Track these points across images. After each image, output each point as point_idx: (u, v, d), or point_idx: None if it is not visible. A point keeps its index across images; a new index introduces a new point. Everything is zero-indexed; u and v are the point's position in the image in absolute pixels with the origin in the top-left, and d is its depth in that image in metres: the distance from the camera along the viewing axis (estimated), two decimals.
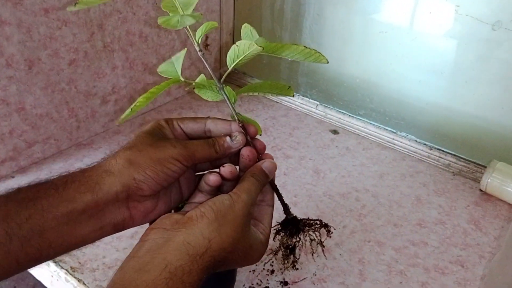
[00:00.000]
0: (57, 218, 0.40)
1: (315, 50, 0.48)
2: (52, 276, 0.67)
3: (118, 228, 0.44)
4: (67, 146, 0.88)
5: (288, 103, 1.04)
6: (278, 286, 0.63)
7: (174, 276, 0.37)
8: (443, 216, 0.76)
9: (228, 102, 0.49)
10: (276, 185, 0.51)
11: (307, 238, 0.53)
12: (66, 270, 0.65)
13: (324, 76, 1.00)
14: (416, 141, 0.90)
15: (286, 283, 0.64)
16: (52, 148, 0.85)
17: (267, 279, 0.64)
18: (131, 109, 0.45)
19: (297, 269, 0.65)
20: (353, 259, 0.68)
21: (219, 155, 0.47)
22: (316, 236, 0.53)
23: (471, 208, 0.78)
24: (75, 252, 0.67)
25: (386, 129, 0.93)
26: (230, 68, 0.47)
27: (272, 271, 0.65)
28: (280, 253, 0.55)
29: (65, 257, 0.66)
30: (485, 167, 0.82)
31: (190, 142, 0.46)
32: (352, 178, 0.83)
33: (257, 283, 0.63)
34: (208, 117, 0.50)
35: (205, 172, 0.50)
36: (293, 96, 0.54)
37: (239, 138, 0.48)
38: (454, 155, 0.86)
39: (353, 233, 0.72)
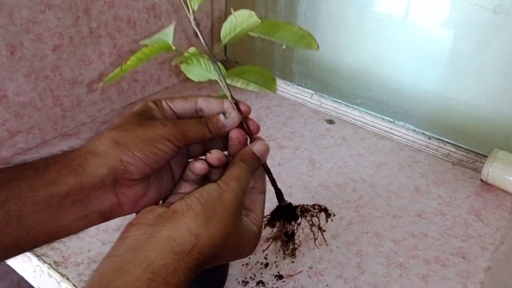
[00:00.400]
0: (36, 202, 0.37)
1: (308, 32, 0.45)
2: (34, 271, 0.63)
3: (105, 216, 0.41)
4: (52, 136, 0.84)
5: (282, 93, 1.01)
6: (272, 280, 0.60)
7: (157, 277, 0.34)
8: (443, 207, 0.73)
9: (220, 77, 0.46)
10: (269, 168, 0.48)
11: (306, 224, 0.50)
12: (49, 264, 0.61)
13: (319, 64, 0.97)
14: (414, 130, 0.87)
15: (281, 277, 0.61)
16: (36, 138, 0.82)
17: (261, 273, 0.61)
18: (121, 67, 0.41)
19: (294, 260, 0.62)
20: (351, 251, 0.65)
21: (213, 135, 0.44)
22: (315, 222, 0.50)
23: (471, 198, 0.75)
24: (58, 246, 0.64)
25: (384, 119, 0.90)
26: (225, 41, 0.44)
27: (266, 264, 0.62)
28: (278, 241, 0.52)
29: (48, 251, 0.63)
30: (486, 156, 0.80)
31: (181, 121, 0.43)
32: (348, 169, 0.81)
33: (251, 277, 0.60)
34: (200, 95, 0.47)
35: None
36: (275, 91, 0.51)
37: (233, 115, 0.44)
38: (454, 144, 0.84)
39: (351, 225, 0.69)
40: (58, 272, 0.60)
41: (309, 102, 0.98)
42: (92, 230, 0.66)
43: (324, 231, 0.52)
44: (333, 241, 0.66)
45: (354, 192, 0.75)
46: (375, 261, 0.64)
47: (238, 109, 0.45)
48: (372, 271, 0.62)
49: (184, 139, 0.42)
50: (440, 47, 0.81)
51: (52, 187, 0.37)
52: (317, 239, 0.54)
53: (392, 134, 0.89)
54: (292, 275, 0.61)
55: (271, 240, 0.52)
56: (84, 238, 0.65)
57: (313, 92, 0.98)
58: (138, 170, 0.39)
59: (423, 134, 0.86)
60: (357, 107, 0.93)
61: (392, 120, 0.89)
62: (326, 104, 0.96)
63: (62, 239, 0.65)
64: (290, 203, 0.50)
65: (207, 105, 0.46)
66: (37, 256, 0.62)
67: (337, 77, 0.95)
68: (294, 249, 0.52)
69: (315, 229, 0.51)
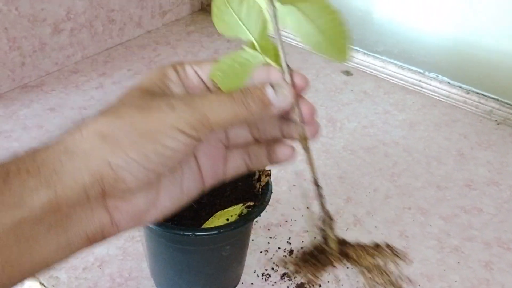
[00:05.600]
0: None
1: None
2: None
3: (95, 238, 0.27)
4: (9, 88, 0.68)
5: (286, 39, 0.85)
6: None
7: None
8: (494, 174, 0.61)
9: (275, 25, 0.29)
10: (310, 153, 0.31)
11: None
12: None
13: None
14: (449, 83, 0.73)
15: None
16: None
17: (285, 262, 0.48)
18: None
19: None
20: (393, 232, 0.52)
21: (254, 117, 0.28)
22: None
23: None
24: None
25: (411, 69, 0.76)
26: None
27: (291, 251, 0.49)
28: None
29: None
30: None
31: (201, 98, 0.28)
32: (376, 129, 0.67)
33: (273, 268, 0.47)
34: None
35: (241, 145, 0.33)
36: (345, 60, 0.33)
37: (286, 92, 0.29)
38: (497, 99, 0.71)
39: (388, 198, 0.56)
40: None
41: None
42: None
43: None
44: (369, 220, 0.53)
45: (387, 158, 0.62)
46: (425, 245, 0.51)
47: (292, 82, 0.29)
48: (423, 258, 0.50)
49: (205, 126, 0.27)
50: None
51: (18, 210, 0.24)
52: None
53: (421, 87, 0.75)
54: None
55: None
56: None
57: None
58: (135, 177, 0.26)
59: (460, 87, 0.73)
60: (378, 56, 0.79)
61: (422, 71, 0.75)
62: None
63: None
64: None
65: None
66: None
67: (354, 20, 0.80)
68: None
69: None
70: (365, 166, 0.61)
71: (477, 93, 0.72)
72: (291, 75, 0.29)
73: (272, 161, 0.33)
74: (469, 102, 0.72)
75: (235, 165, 0.33)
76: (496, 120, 0.70)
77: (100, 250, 0.48)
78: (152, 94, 0.28)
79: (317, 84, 0.75)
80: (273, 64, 0.30)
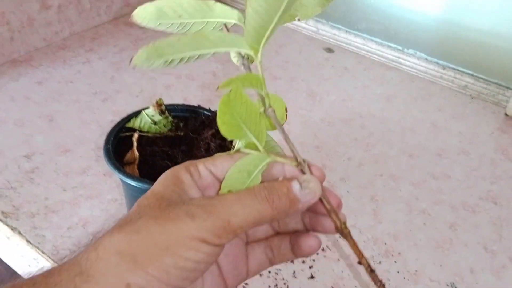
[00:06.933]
0: None
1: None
2: None
3: None
4: None
5: None
6: None
7: None
8: (465, 144, 0.63)
9: (278, 124, 0.30)
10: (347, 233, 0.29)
11: None
12: None
13: None
14: (426, 59, 0.76)
15: None
16: None
17: None
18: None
19: None
20: (364, 196, 0.55)
21: (280, 216, 0.27)
22: None
23: (496, 135, 0.66)
24: (7, 193, 0.51)
25: (391, 46, 0.78)
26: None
27: None
28: None
29: None
30: (510, 88, 0.70)
31: (220, 201, 0.26)
32: (354, 102, 0.69)
33: None
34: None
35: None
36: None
37: (312, 186, 0.27)
38: (472, 75, 0.73)
39: (361, 166, 0.59)
40: (7, 225, 0.48)
41: (304, 28, 0.85)
42: (49, 173, 0.54)
43: None
44: (342, 185, 0.56)
45: (363, 129, 0.65)
46: (394, 208, 0.54)
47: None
48: (391, 219, 0.52)
49: (229, 232, 0.25)
50: None
51: None
52: None
53: (400, 64, 0.77)
54: None
55: None
56: (40, 183, 0.53)
57: None
58: None
59: (437, 63, 0.75)
60: (359, 33, 0.81)
61: (401, 48, 0.78)
62: (324, 30, 0.83)
63: (12, 184, 0.52)
64: None
65: None
66: None
67: None
68: None
69: None
70: (341, 136, 0.63)
71: (453, 68, 0.74)
72: (309, 168, 0.28)
73: (297, 254, 0.30)
74: (445, 78, 0.74)
75: (258, 262, 0.31)
76: (470, 95, 0.72)
77: (84, 211, 0.50)
78: (169, 201, 0.26)
79: (299, 60, 0.78)
80: (282, 160, 0.29)
